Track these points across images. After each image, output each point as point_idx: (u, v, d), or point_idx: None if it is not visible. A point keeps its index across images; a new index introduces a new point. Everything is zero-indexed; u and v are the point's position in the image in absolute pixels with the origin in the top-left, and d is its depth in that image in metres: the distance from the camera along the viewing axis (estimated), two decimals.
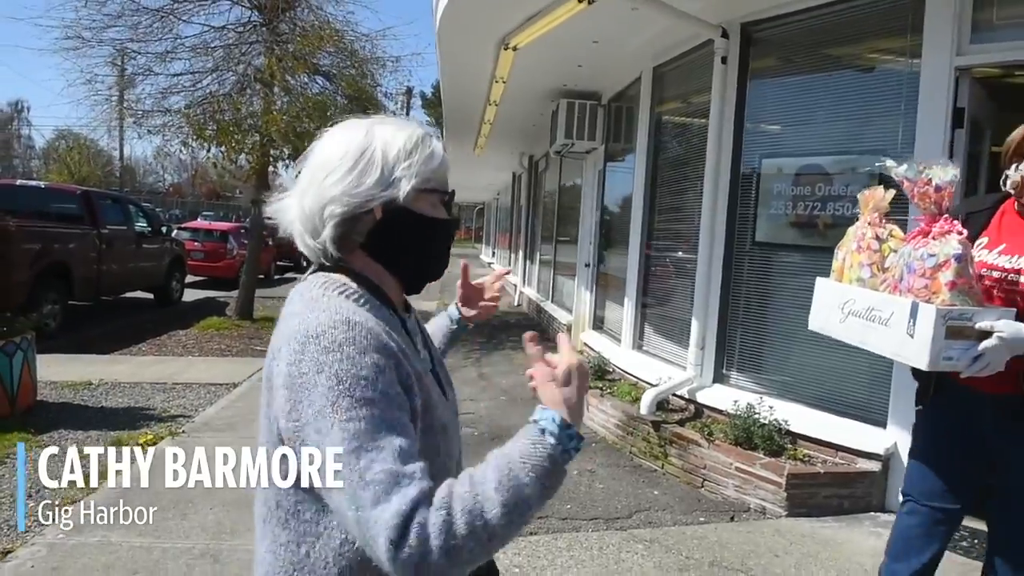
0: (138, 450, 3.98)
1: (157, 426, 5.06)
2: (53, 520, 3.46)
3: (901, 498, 2.35)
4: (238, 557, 3.16)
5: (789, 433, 4.11)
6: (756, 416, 4.12)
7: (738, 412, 4.19)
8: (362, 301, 1.06)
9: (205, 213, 35.09)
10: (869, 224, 2.24)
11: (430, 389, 1.09)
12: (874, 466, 3.83)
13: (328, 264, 1.12)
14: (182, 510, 3.60)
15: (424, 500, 0.88)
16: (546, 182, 12.30)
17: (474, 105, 8.76)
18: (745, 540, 3.51)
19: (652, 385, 4.93)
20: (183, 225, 15.97)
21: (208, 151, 8.89)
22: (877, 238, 2.21)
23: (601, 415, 5.26)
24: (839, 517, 3.75)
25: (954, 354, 1.92)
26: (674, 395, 4.89)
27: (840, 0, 4.13)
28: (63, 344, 7.86)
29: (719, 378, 4.84)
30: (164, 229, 11.72)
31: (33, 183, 11.17)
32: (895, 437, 3.82)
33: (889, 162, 2.13)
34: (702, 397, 4.75)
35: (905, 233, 2.19)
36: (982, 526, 3.53)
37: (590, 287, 7.94)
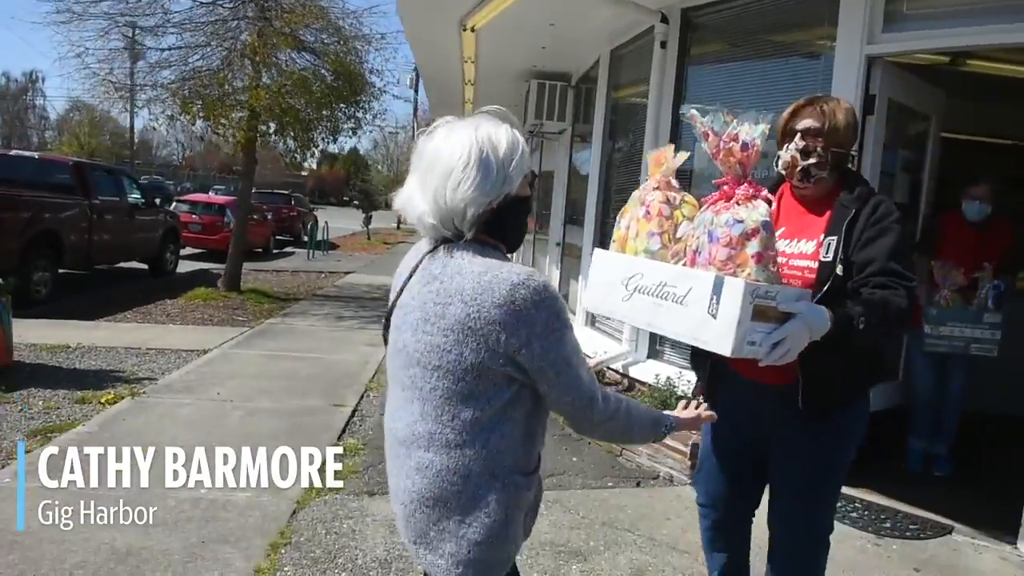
0: (96, 406, 4.23)
1: (122, 387, 5.31)
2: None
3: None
4: (161, 501, 3.40)
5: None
6: (674, 389, 4.31)
7: (658, 385, 4.38)
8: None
9: (216, 187, 35.43)
10: (657, 188, 1.99)
11: None
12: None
13: (454, 239, 1.40)
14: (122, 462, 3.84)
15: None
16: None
17: (452, 84, 8.92)
18: (643, 504, 3.72)
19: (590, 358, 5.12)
20: (181, 198, 16.26)
21: (194, 124, 9.09)
22: (668, 202, 1.96)
23: None
24: None
25: (757, 338, 1.67)
26: (611, 369, 5.09)
27: None
28: (52, 310, 8.19)
29: (653, 354, 5.02)
30: (159, 201, 11.98)
31: (27, 154, 11.43)
32: None
33: (692, 110, 1.85)
34: (635, 371, 4.95)
35: (699, 200, 1.97)
36: (875, 497, 3.74)
37: (558, 264, 8.12)
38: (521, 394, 1.39)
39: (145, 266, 11.88)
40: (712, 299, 1.69)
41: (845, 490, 3.89)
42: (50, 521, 3.15)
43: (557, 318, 1.35)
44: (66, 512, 3.25)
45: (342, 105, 10.11)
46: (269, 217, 17.86)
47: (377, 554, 3.07)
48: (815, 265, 1.93)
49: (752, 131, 1.80)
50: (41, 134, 38.87)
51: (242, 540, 3.12)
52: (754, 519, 2.27)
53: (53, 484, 3.52)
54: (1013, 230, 4.04)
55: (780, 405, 1.98)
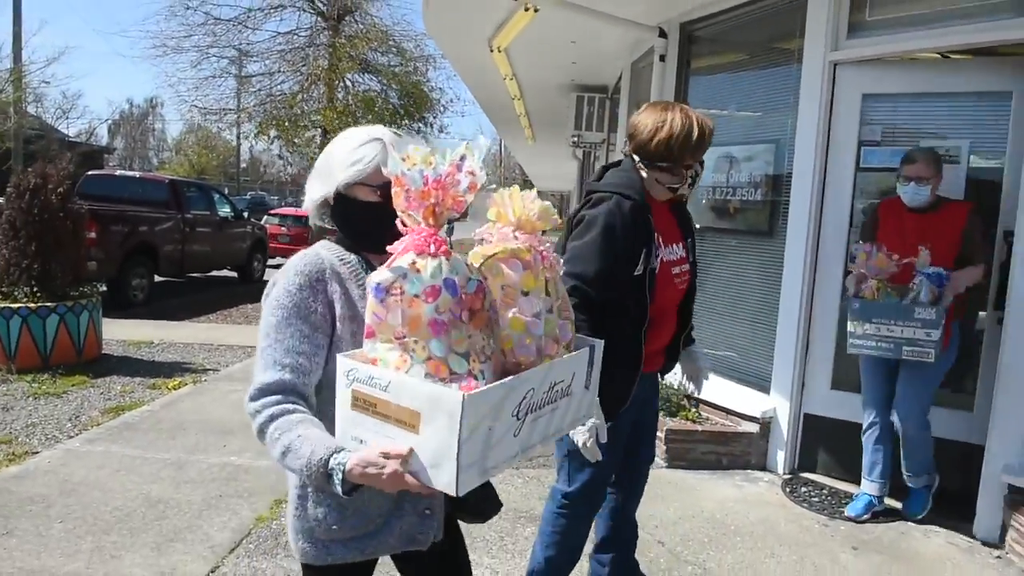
0: (163, 391, 5.03)
1: (188, 376, 6.07)
2: (74, 434, 4.49)
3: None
4: (196, 465, 4.01)
5: (693, 397, 4.55)
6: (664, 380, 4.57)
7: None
8: (333, 249, 1.50)
9: None
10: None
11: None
12: (753, 428, 4.22)
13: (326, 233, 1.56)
14: (173, 434, 4.52)
15: (278, 387, 1.33)
16: (590, 172, 12.77)
17: (502, 99, 9.40)
18: None
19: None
20: (272, 211, 17.48)
21: (271, 144, 9.99)
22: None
23: None
24: (715, 471, 4.19)
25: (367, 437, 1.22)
26: None
27: (750, 1, 4.50)
28: (147, 312, 9.23)
29: None
30: (247, 214, 13.07)
31: (129, 173, 12.77)
32: (775, 403, 4.20)
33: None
34: None
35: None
36: (845, 486, 3.89)
37: None
38: None
39: (235, 274, 13.01)
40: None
41: (815, 477, 4.11)
42: (103, 475, 3.82)
43: (278, 287, 1.41)
44: (117, 470, 3.91)
45: (407, 122, 10.84)
46: None
47: None
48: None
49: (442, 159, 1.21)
50: (159, 155, 42.39)
51: (253, 496, 3.67)
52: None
53: (112, 448, 4.23)
54: (971, 215, 3.38)
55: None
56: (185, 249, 10.73)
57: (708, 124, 2.21)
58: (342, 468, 1.19)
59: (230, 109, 10.19)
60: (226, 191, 31.97)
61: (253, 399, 1.34)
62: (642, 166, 2.22)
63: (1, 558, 2.95)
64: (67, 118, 28.12)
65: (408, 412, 1.15)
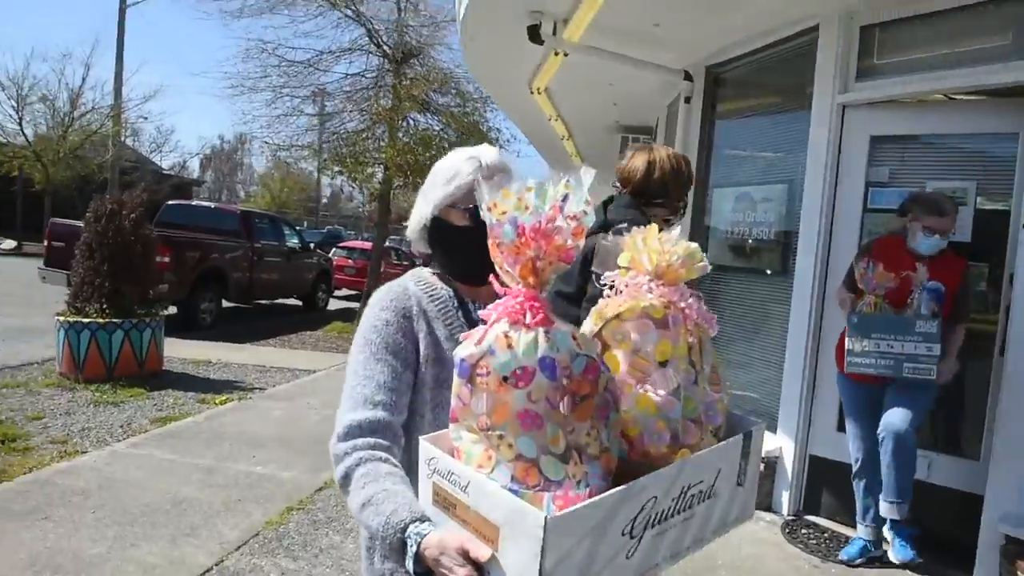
0: (211, 405, 5.48)
1: (236, 393, 6.47)
2: (122, 438, 4.87)
3: None
4: (224, 471, 4.32)
5: None
6: None
7: None
8: (422, 282, 1.42)
9: (392, 237, 38.63)
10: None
11: (451, 352, 1.19)
12: (751, 418, 4.22)
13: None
14: (210, 443, 4.86)
15: (370, 426, 1.23)
16: None
17: (552, 139, 9.67)
18: None
19: None
20: (340, 244, 18.22)
21: (332, 179, 10.55)
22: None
23: None
24: None
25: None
26: None
27: (768, 46, 4.62)
28: (214, 334, 9.81)
29: None
30: (313, 246, 13.73)
31: (204, 203, 13.64)
32: (781, 443, 4.21)
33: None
34: None
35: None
36: (845, 530, 3.87)
37: None
38: None
39: (300, 303, 13.62)
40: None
41: (818, 520, 4.07)
42: (140, 475, 4.16)
43: (365, 322, 1.36)
44: (153, 471, 4.26)
45: None
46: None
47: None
48: None
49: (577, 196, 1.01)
50: (246, 188, 44.84)
51: (268, 502, 3.93)
52: None
53: (153, 452, 4.59)
54: (965, 274, 3.40)
55: None
56: (253, 276, 11.36)
57: (687, 160, 2.48)
58: (419, 540, 1.03)
59: (299, 145, 10.83)
60: (304, 224, 33.54)
61: (342, 439, 1.23)
62: (640, 203, 2.42)
63: (36, 539, 3.28)
64: (160, 152, 30.14)
65: (486, 524, 0.93)
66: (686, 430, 1.05)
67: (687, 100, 5.31)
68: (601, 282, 1.17)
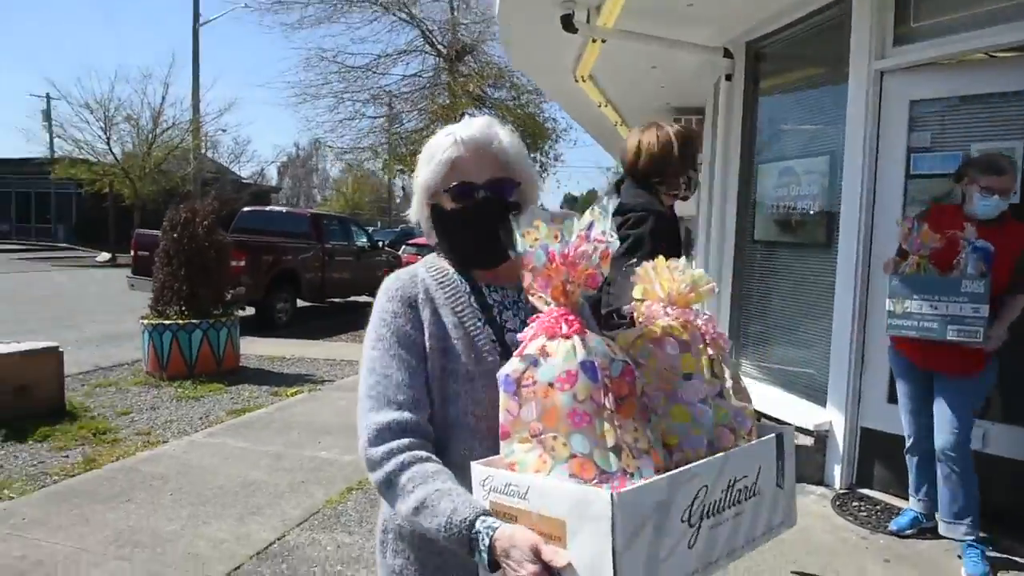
0: (282, 397, 5.86)
1: (307, 385, 6.81)
2: (200, 429, 5.23)
3: None
4: (291, 456, 4.60)
5: None
6: None
7: None
8: (433, 268, 1.34)
9: None
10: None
11: (463, 341, 1.25)
12: (807, 441, 4.19)
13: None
14: (280, 431, 5.17)
15: (399, 427, 1.17)
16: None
17: (605, 125, 9.67)
18: None
19: None
20: (410, 241, 18.64)
21: (394, 178, 10.88)
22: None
23: None
24: None
25: None
26: None
27: (804, 17, 4.55)
28: (290, 332, 10.29)
29: None
30: (382, 244, 14.14)
31: (277, 208, 14.25)
32: (831, 416, 4.16)
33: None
34: None
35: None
36: (899, 502, 3.81)
37: None
38: None
39: (372, 299, 14.03)
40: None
41: (871, 492, 4.02)
42: (214, 461, 4.48)
43: (374, 314, 1.30)
44: (226, 458, 4.57)
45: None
46: None
47: None
48: None
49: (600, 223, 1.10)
50: (322, 192, 46.36)
51: (329, 484, 4.17)
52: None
53: (228, 441, 4.92)
54: None
55: None
56: (324, 276, 11.81)
57: (682, 135, 2.47)
58: (490, 534, 1.00)
59: (360, 147, 11.21)
60: (378, 224, 34.44)
61: (374, 443, 1.17)
62: (643, 184, 2.48)
63: (119, 517, 3.62)
64: (239, 161, 31.49)
65: (551, 522, 0.96)
66: (720, 436, 1.14)
67: (728, 78, 5.27)
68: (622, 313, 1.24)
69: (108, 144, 23.76)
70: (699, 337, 1.18)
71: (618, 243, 1.10)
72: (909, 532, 3.49)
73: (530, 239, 1.07)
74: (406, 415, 1.19)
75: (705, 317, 1.22)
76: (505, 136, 1.33)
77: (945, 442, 3.15)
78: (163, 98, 23.93)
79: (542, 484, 0.98)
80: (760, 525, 1.16)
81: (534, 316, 1.12)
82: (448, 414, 1.25)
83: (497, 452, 1.11)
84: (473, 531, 1.02)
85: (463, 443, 1.23)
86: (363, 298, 14.04)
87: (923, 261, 3.14)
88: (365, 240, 13.46)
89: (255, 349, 8.46)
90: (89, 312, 11.47)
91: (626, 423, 1.02)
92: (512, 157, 1.32)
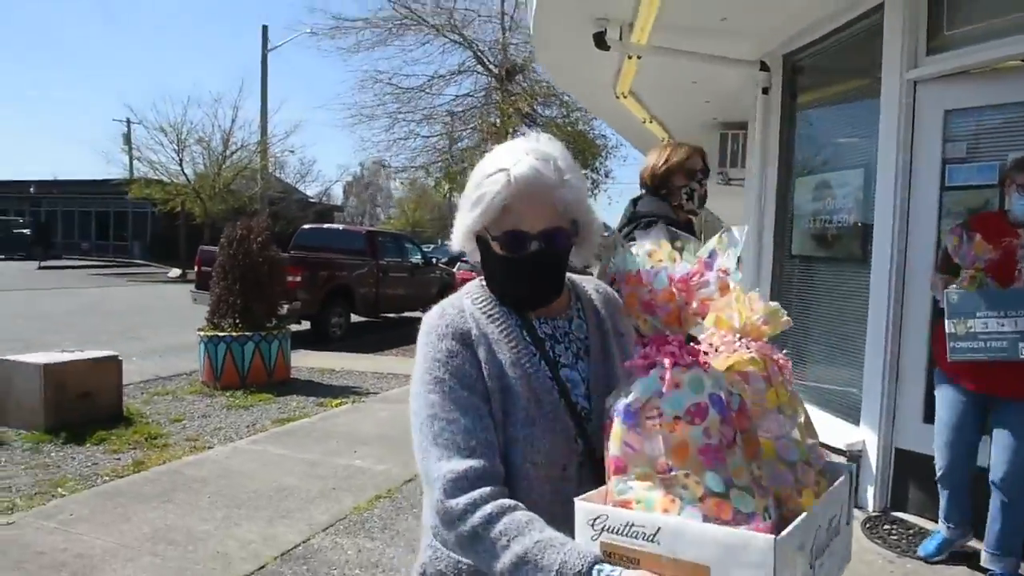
0: (327, 408, 6.07)
1: (353, 396, 7.00)
2: (245, 436, 5.43)
3: None
4: (327, 464, 4.74)
5: None
6: None
7: None
8: (480, 300, 1.24)
9: None
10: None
11: (522, 381, 1.17)
12: (840, 460, 4.07)
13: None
14: (320, 440, 5.33)
15: (477, 475, 1.07)
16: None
17: (653, 142, 9.64)
18: None
19: None
20: (464, 259, 18.83)
21: (445, 197, 11.10)
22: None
23: None
24: None
25: None
26: None
27: (838, 29, 4.48)
28: (344, 346, 10.56)
29: None
30: (435, 261, 14.39)
31: (334, 226, 14.68)
32: (864, 435, 4.04)
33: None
34: None
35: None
36: (931, 525, 3.68)
37: None
38: None
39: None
40: None
41: (906, 516, 3.88)
42: (253, 466, 4.66)
43: (425, 352, 1.19)
44: (265, 464, 4.75)
45: None
46: None
47: None
48: None
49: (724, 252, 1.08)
50: (386, 210, 47.43)
51: (359, 491, 4.29)
52: None
53: (269, 448, 5.10)
54: None
55: None
56: (379, 291, 12.11)
57: (683, 151, 2.72)
58: None
59: (414, 166, 11.49)
60: (439, 242, 35.04)
61: (452, 495, 1.07)
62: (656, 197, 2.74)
63: (158, 516, 3.81)
64: (304, 181, 32.56)
65: (690, 568, 0.91)
66: (803, 471, 1.11)
67: (765, 91, 5.22)
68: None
69: (180, 165, 25.04)
70: (777, 372, 1.15)
71: (740, 277, 1.07)
72: (938, 558, 3.35)
73: (654, 259, 1.03)
74: (482, 462, 1.10)
75: (781, 353, 1.18)
76: (564, 169, 1.18)
77: (1006, 471, 2.96)
78: (233, 121, 25.08)
79: (679, 525, 0.92)
80: (836, 563, 1.12)
81: (638, 341, 1.06)
82: (510, 460, 1.15)
83: (551, 505, 1.10)
84: None
85: (522, 494, 1.12)
86: (416, 313, 14.32)
87: (980, 275, 2.90)
88: (419, 257, 13.72)
89: (307, 362, 8.73)
90: (155, 325, 12.04)
91: (751, 461, 0.98)
92: (571, 198, 1.19)
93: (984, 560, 3.12)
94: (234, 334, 7.12)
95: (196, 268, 11.37)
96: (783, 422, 1.10)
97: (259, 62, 22.39)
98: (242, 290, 7.28)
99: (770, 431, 1.08)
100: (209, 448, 5.14)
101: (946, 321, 2.95)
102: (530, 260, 1.18)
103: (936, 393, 3.29)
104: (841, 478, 1.15)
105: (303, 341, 10.48)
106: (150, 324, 12.20)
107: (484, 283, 1.27)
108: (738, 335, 1.15)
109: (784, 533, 0.87)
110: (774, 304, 1.16)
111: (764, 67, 5.22)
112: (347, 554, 3.46)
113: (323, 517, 3.89)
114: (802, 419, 1.15)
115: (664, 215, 2.64)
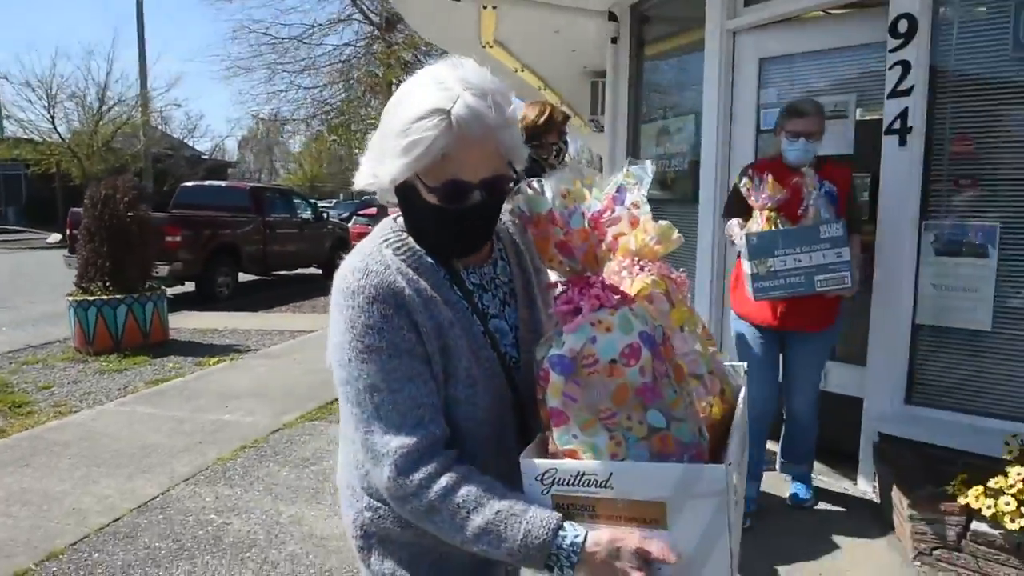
0: (204, 367, 5.98)
1: (232, 355, 6.98)
2: (115, 399, 5.38)
3: None
4: (194, 421, 4.79)
5: None
6: None
7: None
8: (402, 251, 1.11)
9: None
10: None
11: (461, 339, 1.10)
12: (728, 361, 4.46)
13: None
14: (190, 398, 5.35)
15: (429, 446, 1.03)
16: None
17: (531, 91, 9.77)
18: None
19: None
20: (360, 212, 18.65)
21: (328, 148, 10.94)
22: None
23: None
24: None
25: None
26: None
27: None
28: (232, 305, 10.38)
29: None
30: (327, 215, 14.20)
31: (215, 183, 14.24)
32: None
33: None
34: None
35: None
36: None
37: None
38: None
39: (320, 270, 14.16)
40: None
41: None
42: (118, 427, 4.66)
43: (352, 317, 1.06)
44: (131, 424, 4.75)
45: None
46: None
47: (305, 455, 4.18)
48: None
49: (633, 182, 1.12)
50: (285, 166, 45.85)
51: (224, 444, 4.38)
52: None
53: (137, 408, 5.09)
54: (852, 179, 3.22)
55: None
56: (266, 249, 11.89)
57: (540, 109, 3.15)
58: (576, 550, 0.95)
59: (296, 119, 11.25)
60: (340, 196, 34.30)
61: (405, 472, 1.03)
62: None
63: (14, 480, 3.81)
64: (192, 136, 31.03)
65: (647, 506, 0.92)
66: (710, 382, 1.15)
67: (614, 41, 5.43)
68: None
69: (52, 123, 23.34)
70: (676, 290, 1.17)
71: (650, 213, 1.06)
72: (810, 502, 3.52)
73: (569, 200, 0.98)
74: (433, 431, 1.05)
75: (679, 271, 1.20)
76: (503, 104, 1.04)
77: (804, 401, 3.25)
78: (107, 74, 23.55)
79: (630, 468, 0.93)
80: (739, 492, 1.13)
81: (552, 284, 1.05)
82: (449, 423, 1.10)
83: (494, 460, 1.09)
84: (552, 551, 0.96)
85: (467, 455, 1.09)
86: (311, 270, 14.17)
87: (774, 215, 2.98)
88: (309, 212, 13.51)
89: (189, 323, 8.59)
90: (29, 293, 11.47)
91: (682, 388, 0.99)
92: (511, 141, 1.07)
93: (779, 468, 3.60)
94: (104, 297, 6.93)
95: (67, 231, 10.84)
96: (688, 338, 1.13)
97: (134, 9, 21.12)
98: (110, 252, 7.06)
99: (679, 350, 1.08)
100: (74, 412, 5.08)
101: (747, 263, 2.99)
102: (470, 212, 1.06)
103: (739, 338, 3.33)
104: (743, 389, 1.20)
105: (189, 302, 10.27)
106: (24, 292, 11.61)
107: (402, 230, 1.15)
108: (636, 258, 1.17)
109: (729, 458, 0.93)
110: (665, 223, 1.15)
111: (612, 17, 5.42)
112: (204, 501, 3.58)
113: (184, 469, 3.98)
114: (700, 330, 1.18)
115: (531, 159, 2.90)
